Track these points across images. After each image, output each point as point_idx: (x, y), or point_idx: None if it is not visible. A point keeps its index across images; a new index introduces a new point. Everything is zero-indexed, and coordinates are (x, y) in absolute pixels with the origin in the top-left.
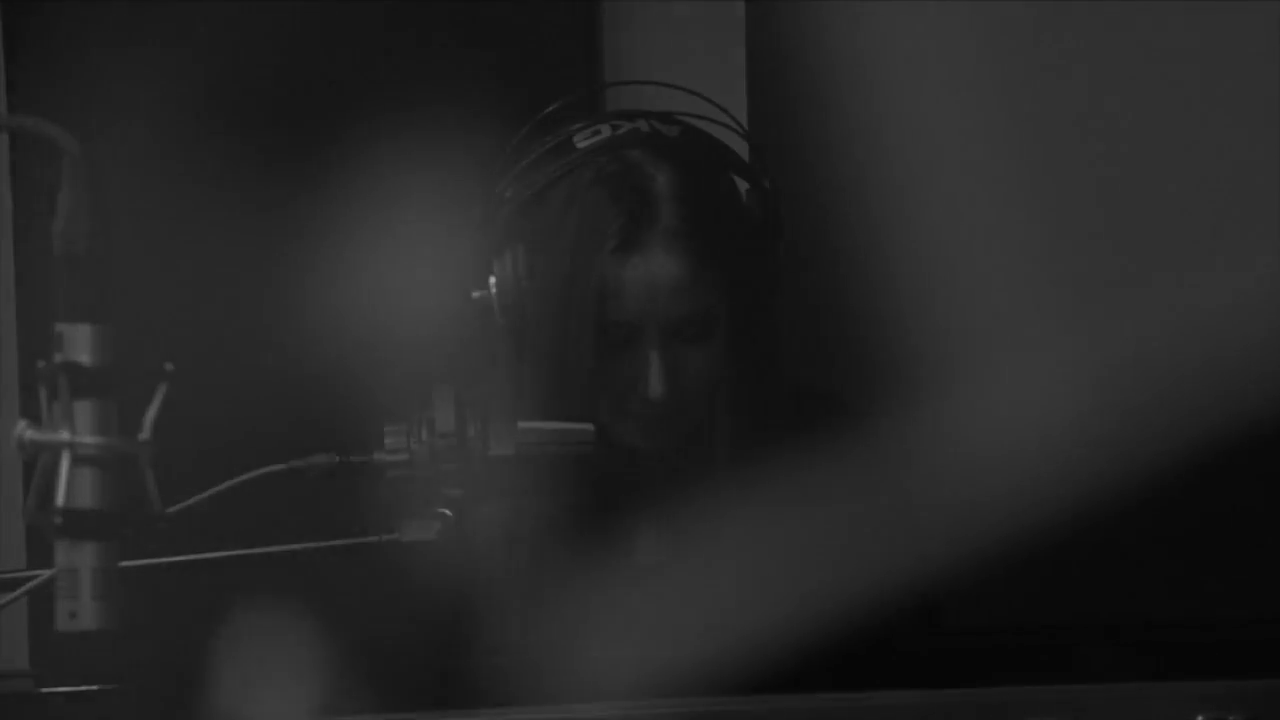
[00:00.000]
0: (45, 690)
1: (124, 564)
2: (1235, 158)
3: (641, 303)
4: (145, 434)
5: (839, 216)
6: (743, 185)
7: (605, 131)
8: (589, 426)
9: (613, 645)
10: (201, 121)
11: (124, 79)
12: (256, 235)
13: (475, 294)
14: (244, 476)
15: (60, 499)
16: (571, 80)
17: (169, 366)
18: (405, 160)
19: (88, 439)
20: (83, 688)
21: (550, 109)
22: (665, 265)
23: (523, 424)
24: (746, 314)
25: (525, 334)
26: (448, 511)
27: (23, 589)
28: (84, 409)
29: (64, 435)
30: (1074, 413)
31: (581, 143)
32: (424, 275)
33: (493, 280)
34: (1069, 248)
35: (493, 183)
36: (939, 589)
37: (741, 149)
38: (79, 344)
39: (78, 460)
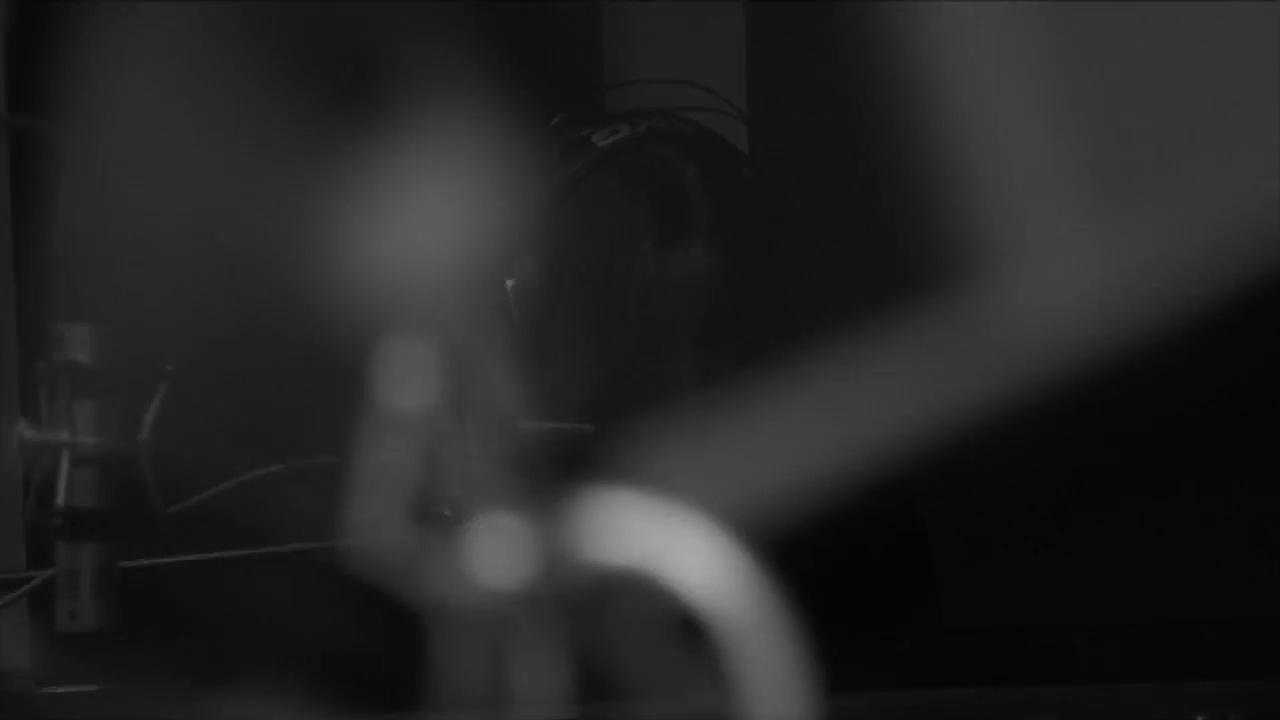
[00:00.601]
0: (45, 690)
1: (124, 564)
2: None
3: (683, 298)
4: (145, 434)
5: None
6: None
7: (624, 130)
8: (589, 426)
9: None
10: (201, 120)
11: (123, 78)
12: (258, 234)
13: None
14: (244, 476)
15: (60, 499)
16: (571, 82)
17: (169, 366)
18: (403, 162)
19: (88, 439)
20: (83, 688)
21: (567, 114)
22: (705, 260)
23: (523, 424)
24: (772, 305)
25: (546, 334)
26: (448, 511)
27: (23, 589)
28: (84, 409)
29: (64, 435)
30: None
31: (601, 142)
32: (426, 276)
33: (510, 283)
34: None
35: (507, 185)
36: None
37: (741, 144)
38: (79, 344)
39: (78, 460)
